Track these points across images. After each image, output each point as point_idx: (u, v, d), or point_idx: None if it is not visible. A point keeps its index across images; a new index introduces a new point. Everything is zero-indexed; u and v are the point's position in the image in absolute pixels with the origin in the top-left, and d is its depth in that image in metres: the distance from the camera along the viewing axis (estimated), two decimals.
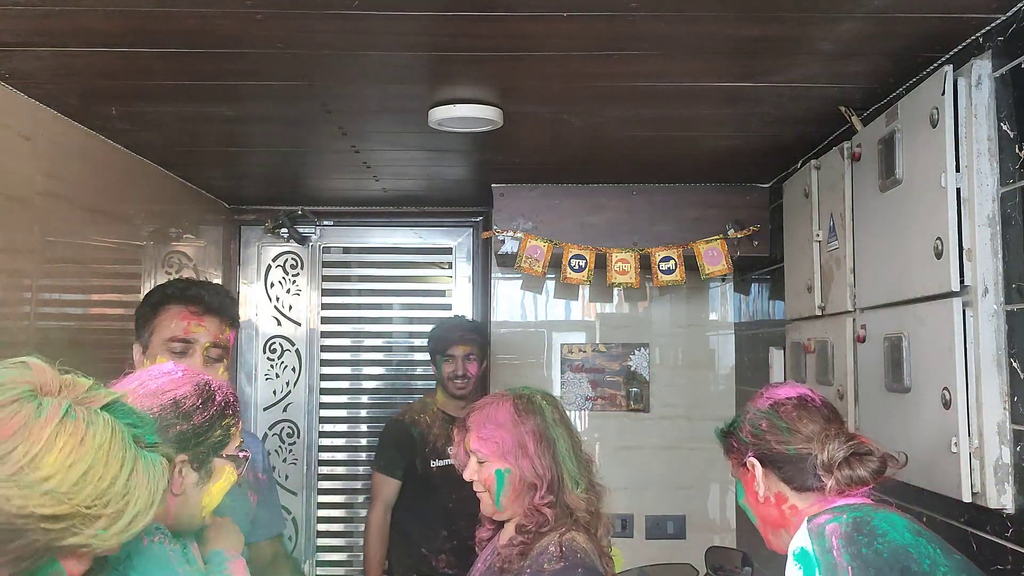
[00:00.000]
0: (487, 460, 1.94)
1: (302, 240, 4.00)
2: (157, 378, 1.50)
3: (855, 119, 2.28)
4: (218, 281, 3.77)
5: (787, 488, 1.55)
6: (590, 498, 1.93)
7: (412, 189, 3.65)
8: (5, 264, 2.10)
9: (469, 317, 3.82)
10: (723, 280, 3.76)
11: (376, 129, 2.68)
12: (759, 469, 1.58)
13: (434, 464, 3.20)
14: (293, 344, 4.04)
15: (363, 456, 4.06)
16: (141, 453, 1.10)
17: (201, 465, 1.48)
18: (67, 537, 1.02)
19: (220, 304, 2.09)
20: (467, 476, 1.98)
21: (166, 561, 1.36)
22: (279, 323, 4.04)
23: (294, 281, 4.05)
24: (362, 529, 3.91)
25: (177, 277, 2.83)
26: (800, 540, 1.43)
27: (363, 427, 4.07)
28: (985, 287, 1.73)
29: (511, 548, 1.89)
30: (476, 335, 3.31)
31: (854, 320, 2.29)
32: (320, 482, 4.02)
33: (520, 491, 1.91)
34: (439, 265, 4.14)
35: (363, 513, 3.97)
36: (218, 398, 1.52)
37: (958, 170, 1.77)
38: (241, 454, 1.56)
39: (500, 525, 2.03)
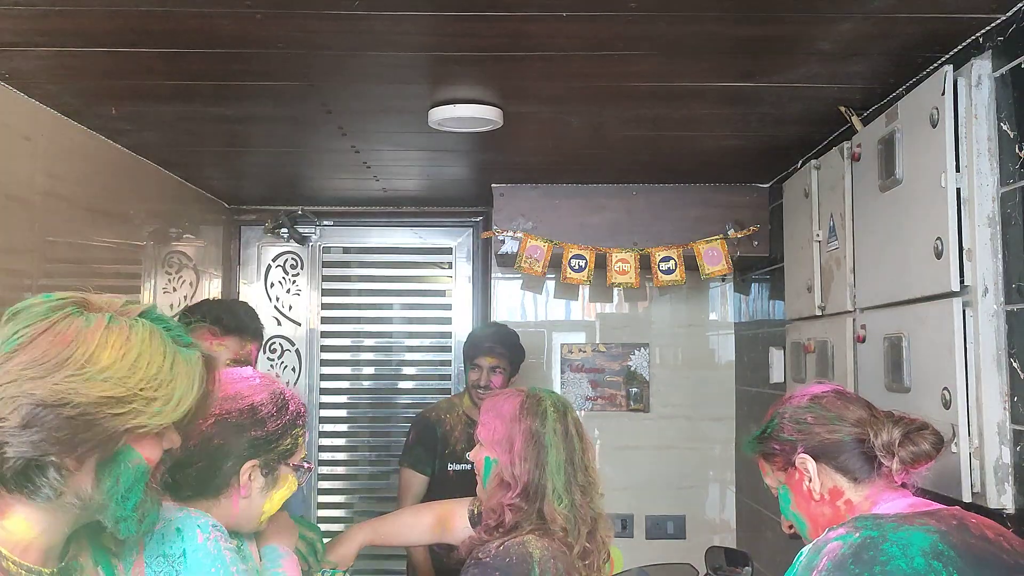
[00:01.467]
0: (483, 445, 2.00)
1: (302, 240, 4.00)
2: (236, 382, 1.56)
3: (855, 119, 2.28)
4: (218, 281, 3.78)
5: (844, 480, 1.51)
6: (569, 516, 1.87)
7: (412, 189, 3.65)
8: (5, 264, 2.10)
9: (501, 324, 3.57)
10: (723, 280, 3.76)
11: (376, 129, 2.68)
12: (812, 464, 1.52)
13: (451, 467, 3.17)
14: (293, 344, 4.04)
15: (363, 456, 4.06)
16: (178, 348, 1.25)
17: (269, 471, 1.54)
18: (131, 419, 1.17)
19: (238, 324, 2.35)
20: (470, 455, 2.07)
21: (221, 559, 1.38)
22: (279, 323, 4.04)
23: (294, 281, 4.05)
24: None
25: (207, 299, 3.09)
26: (805, 548, 1.40)
27: (362, 427, 4.07)
28: (985, 287, 1.73)
29: (473, 540, 1.94)
30: (505, 348, 3.18)
31: (854, 320, 2.29)
32: (320, 482, 4.02)
33: (501, 484, 1.93)
34: (439, 265, 4.14)
35: (361, 513, 3.98)
36: (291, 407, 1.58)
37: (958, 170, 1.77)
38: (305, 465, 1.61)
39: None
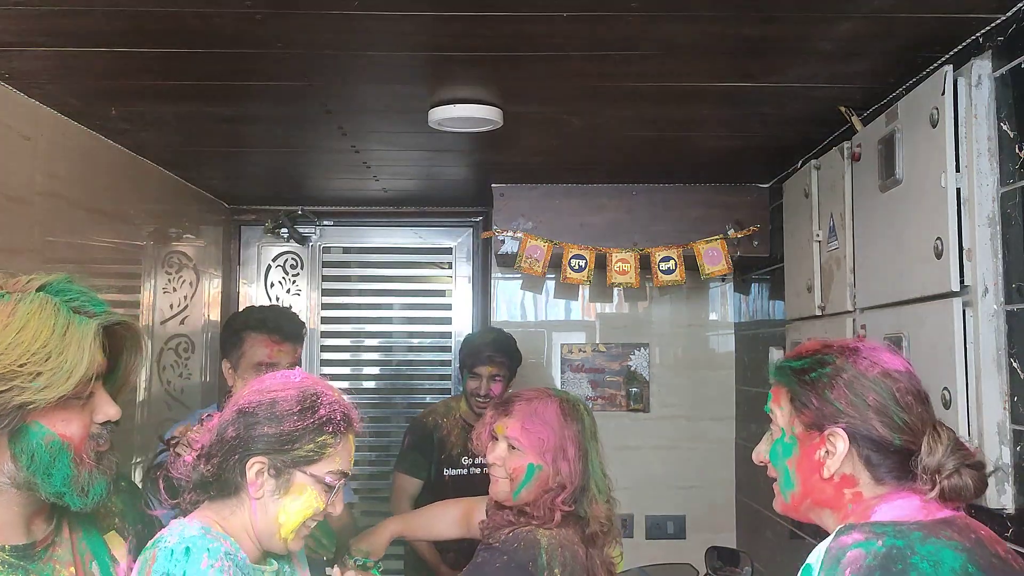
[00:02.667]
0: (522, 451, 1.95)
1: (302, 240, 4.00)
2: (274, 379, 1.51)
3: (855, 119, 2.28)
4: (218, 281, 3.78)
5: (867, 475, 1.30)
6: (610, 510, 1.97)
7: (412, 189, 3.65)
8: (5, 264, 2.10)
9: (498, 329, 3.54)
10: (723, 280, 3.76)
11: (376, 129, 2.68)
12: (845, 446, 1.29)
13: (447, 472, 3.16)
14: None
15: (363, 456, 4.06)
16: (76, 318, 1.24)
17: (279, 474, 1.43)
18: (15, 396, 1.19)
19: (294, 332, 2.56)
20: (491, 458, 1.99)
21: None
22: None
23: (294, 281, 4.05)
24: (362, 528, 3.91)
25: (252, 306, 3.15)
26: (815, 554, 1.23)
27: (363, 427, 4.06)
28: (985, 287, 1.73)
29: (499, 519, 1.95)
30: (505, 357, 3.16)
31: (854, 320, 2.29)
32: None
33: (543, 489, 1.93)
34: (439, 265, 4.14)
35: (360, 513, 3.98)
36: (321, 412, 1.45)
37: (958, 170, 1.77)
38: (328, 480, 1.46)
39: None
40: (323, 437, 1.45)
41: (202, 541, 1.37)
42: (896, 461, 1.28)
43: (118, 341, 1.38)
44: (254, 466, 1.42)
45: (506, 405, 2.03)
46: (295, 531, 1.46)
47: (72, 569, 1.37)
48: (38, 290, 1.26)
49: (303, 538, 1.51)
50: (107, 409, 1.32)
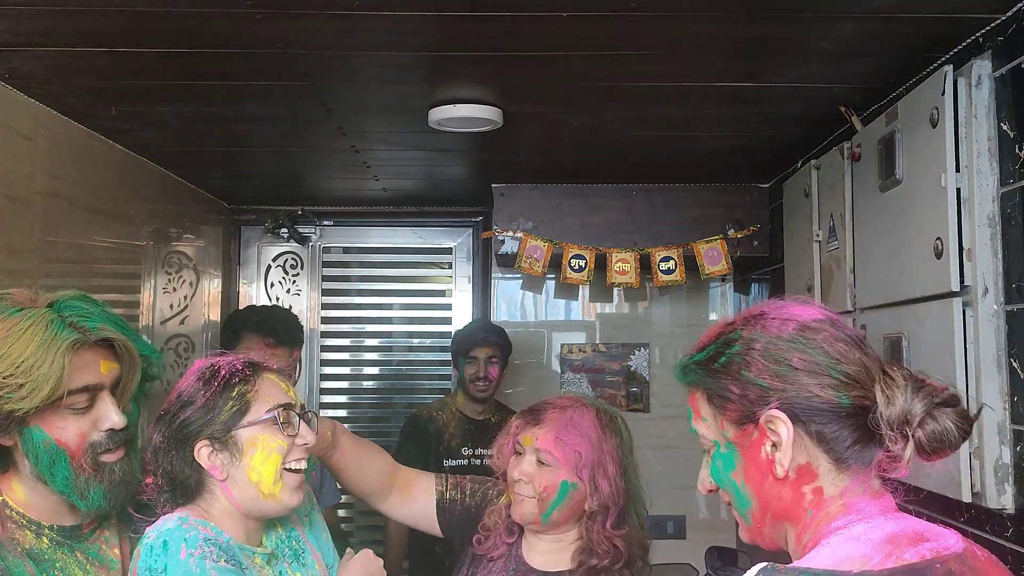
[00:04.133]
0: (555, 466, 1.74)
1: (302, 240, 4.00)
2: (179, 381, 1.52)
3: (855, 119, 2.28)
4: (218, 281, 3.77)
5: (824, 458, 1.03)
6: (645, 538, 1.83)
7: (412, 189, 3.65)
8: (5, 264, 2.10)
9: (485, 319, 3.79)
10: (723, 280, 3.76)
11: (376, 129, 2.68)
12: (789, 429, 1.02)
13: (447, 463, 3.20)
14: None
15: None
16: (64, 332, 1.33)
17: (223, 443, 1.44)
18: (5, 404, 1.29)
19: (290, 336, 2.54)
20: (518, 474, 1.75)
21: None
22: None
23: (294, 281, 4.05)
24: (362, 527, 3.92)
25: (252, 306, 3.21)
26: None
27: (362, 427, 4.07)
28: (985, 287, 1.73)
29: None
30: (498, 338, 3.29)
31: (854, 320, 2.29)
32: None
33: (576, 511, 1.76)
34: (439, 265, 4.14)
35: (361, 512, 3.98)
36: (222, 373, 1.47)
37: (958, 170, 1.77)
38: (267, 416, 1.46)
39: (518, 536, 1.84)
40: (236, 390, 1.46)
41: (178, 532, 1.37)
42: (854, 428, 1.02)
43: (120, 355, 1.45)
44: (201, 452, 1.43)
45: (535, 413, 1.80)
46: (277, 482, 1.46)
47: (117, 551, 1.47)
48: (48, 305, 1.37)
49: (298, 490, 1.49)
50: (111, 418, 1.40)
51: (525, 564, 1.81)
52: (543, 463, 1.75)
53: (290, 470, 1.48)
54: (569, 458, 1.74)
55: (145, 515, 1.45)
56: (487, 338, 3.24)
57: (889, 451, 1.01)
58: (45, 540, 1.39)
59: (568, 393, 3.76)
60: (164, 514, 1.45)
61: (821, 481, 1.03)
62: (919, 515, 1.93)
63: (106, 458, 1.40)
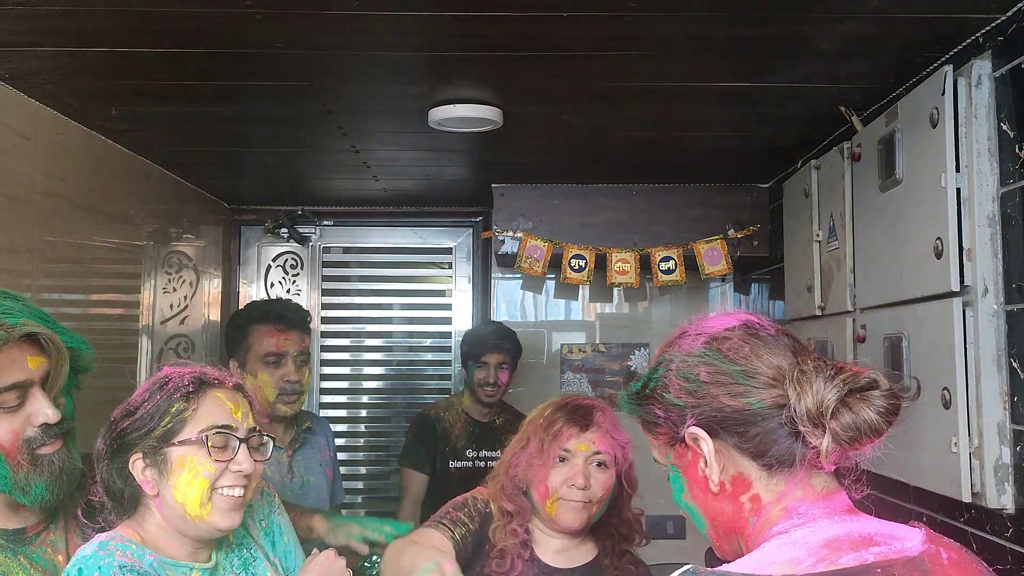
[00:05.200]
0: (611, 467, 1.80)
1: (302, 240, 4.00)
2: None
3: (855, 119, 2.28)
4: (218, 281, 3.78)
5: (752, 466, 1.02)
6: None
7: (412, 189, 3.65)
8: (5, 264, 2.10)
9: (498, 322, 3.69)
10: (723, 280, 3.76)
11: (376, 129, 2.68)
12: (708, 444, 1.03)
13: (452, 465, 3.20)
14: None
15: (362, 456, 4.06)
16: None
17: (153, 459, 1.41)
18: None
19: (299, 319, 2.52)
20: (569, 481, 1.76)
21: None
22: None
23: (294, 281, 4.05)
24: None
25: (254, 300, 3.20)
26: None
27: (363, 427, 4.07)
28: (985, 287, 1.73)
29: (615, 567, 1.84)
30: (511, 344, 3.25)
31: (854, 320, 2.29)
32: None
33: (621, 500, 1.87)
34: (439, 265, 4.14)
35: (363, 513, 3.98)
36: (168, 386, 1.43)
37: (958, 170, 1.77)
38: (196, 438, 1.41)
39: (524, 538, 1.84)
40: (175, 406, 1.42)
41: (93, 560, 1.33)
42: (773, 429, 0.99)
43: (46, 349, 1.43)
44: (136, 464, 1.41)
45: (582, 417, 1.81)
46: (204, 505, 1.41)
47: (62, 556, 1.46)
48: None
49: (233, 512, 1.44)
50: (44, 412, 1.39)
51: (548, 567, 1.83)
52: (603, 465, 1.79)
53: (224, 496, 1.43)
54: (620, 456, 1.81)
55: (92, 522, 1.45)
56: (500, 344, 3.20)
57: (813, 447, 0.98)
58: None
59: (568, 392, 3.75)
60: (105, 523, 1.44)
61: (756, 489, 1.02)
62: (919, 515, 1.94)
63: (44, 451, 1.40)
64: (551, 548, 1.85)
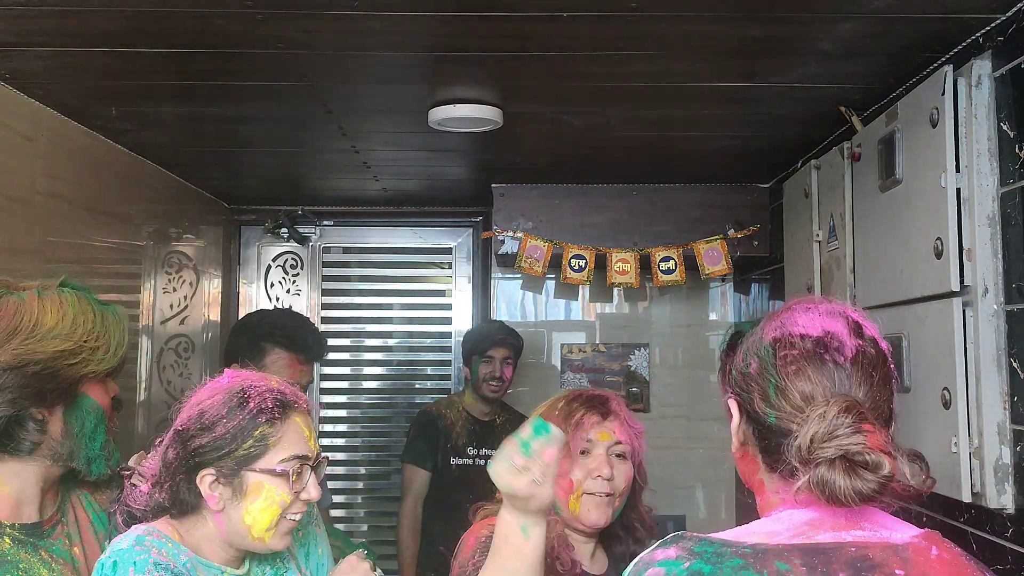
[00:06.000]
0: (630, 457, 1.70)
1: (302, 240, 4.00)
2: (202, 391, 1.44)
3: (855, 119, 2.28)
4: (218, 281, 3.77)
5: (760, 458, 1.10)
6: None
7: (412, 189, 3.65)
8: (5, 264, 2.10)
9: (499, 320, 3.75)
10: (723, 280, 3.76)
11: (376, 129, 2.68)
12: (736, 419, 1.14)
13: (454, 461, 3.22)
14: None
15: (363, 456, 4.06)
16: (103, 307, 1.48)
17: (230, 480, 1.38)
18: (83, 367, 1.41)
19: (320, 352, 2.56)
20: (595, 474, 1.64)
21: None
22: None
23: (294, 281, 4.05)
24: (363, 529, 3.92)
25: (273, 315, 2.89)
26: (633, 563, 1.06)
27: (362, 427, 4.07)
28: (985, 287, 1.72)
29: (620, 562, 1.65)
30: (515, 339, 3.32)
31: None
32: None
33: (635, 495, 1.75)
34: (439, 265, 4.14)
35: (362, 513, 3.99)
36: (251, 405, 1.39)
37: (958, 170, 1.77)
38: (280, 468, 1.39)
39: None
40: (260, 429, 1.38)
41: (129, 554, 1.32)
42: (780, 444, 1.03)
43: None
44: (204, 479, 1.38)
45: (601, 405, 1.71)
46: (270, 529, 1.40)
47: (78, 549, 1.47)
48: (60, 286, 1.47)
49: (288, 534, 1.44)
50: (113, 385, 1.53)
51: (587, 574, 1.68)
52: (623, 456, 1.68)
53: (288, 520, 1.43)
54: (637, 448, 1.71)
55: (128, 526, 1.43)
56: (505, 339, 3.27)
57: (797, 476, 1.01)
58: (7, 540, 1.37)
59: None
60: (147, 521, 1.42)
61: (761, 475, 1.11)
62: (919, 515, 1.94)
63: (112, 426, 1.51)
64: (586, 552, 1.70)
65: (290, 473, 1.39)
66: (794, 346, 1.07)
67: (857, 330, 1.09)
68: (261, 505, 1.39)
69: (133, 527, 1.40)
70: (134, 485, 1.45)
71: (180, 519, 1.43)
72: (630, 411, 1.76)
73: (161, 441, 1.46)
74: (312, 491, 1.43)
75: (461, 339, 3.53)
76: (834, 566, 0.95)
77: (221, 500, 1.39)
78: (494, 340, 3.26)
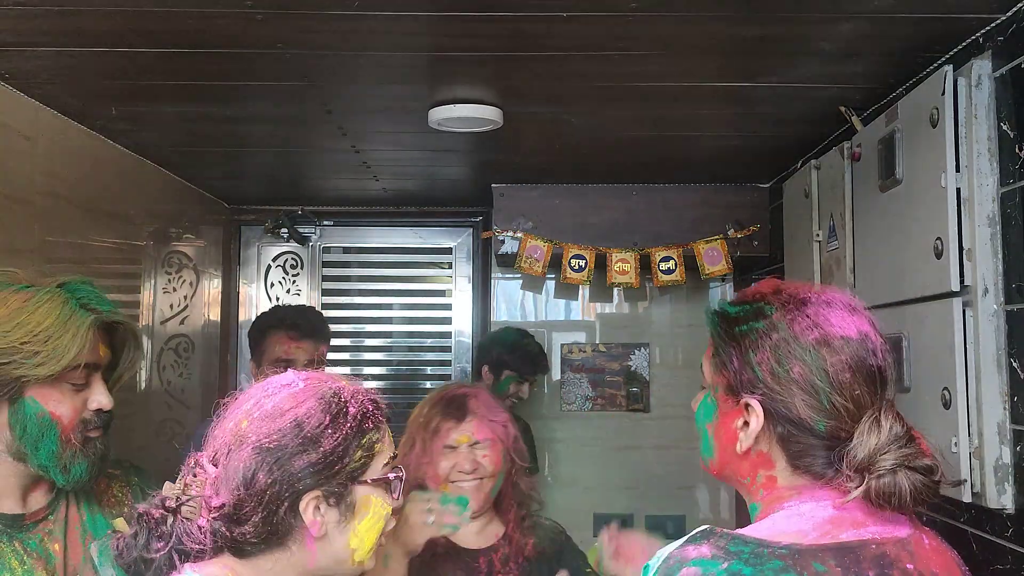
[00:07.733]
0: (493, 444, 1.85)
1: (302, 240, 4.00)
2: (274, 394, 1.22)
3: (855, 119, 2.28)
4: (218, 281, 3.78)
5: (783, 460, 1.07)
6: None
7: (412, 189, 3.65)
8: (5, 264, 2.09)
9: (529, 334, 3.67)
10: (723, 280, 3.76)
11: (376, 129, 2.68)
12: (758, 420, 1.07)
13: None
14: None
15: None
16: (79, 311, 1.41)
17: (340, 499, 1.19)
18: (14, 369, 1.35)
19: (314, 329, 2.62)
20: (484, 463, 1.83)
21: None
22: None
23: (294, 281, 4.05)
24: None
25: (278, 305, 3.26)
26: (657, 556, 1.02)
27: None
28: (985, 287, 1.72)
29: (522, 535, 1.90)
30: (546, 363, 3.48)
31: None
32: None
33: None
34: (439, 265, 4.14)
35: None
36: (352, 410, 1.22)
37: (958, 170, 1.77)
38: (392, 475, 1.24)
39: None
40: (367, 436, 1.23)
41: None
42: (819, 449, 1.04)
43: (120, 339, 1.52)
44: (309, 506, 1.17)
45: (456, 409, 1.87)
46: (371, 550, 1.23)
47: (58, 546, 1.47)
48: (57, 286, 1.44)
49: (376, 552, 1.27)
50: (100, 398, 1.47)
51: (463, 549, 1.86)
52: (485, 448, 1.84)
53: (384, 536, 1.26)
54: (500, 435, 1.87)
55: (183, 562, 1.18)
56: (545, 366, 3.43)
57: (841, 483, 1.03)
58: None
59: (566, 393, 3.76)
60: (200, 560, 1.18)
61: (776, 474, 1.08)
62: (918, 515, 1.94)
63: (92, 434, 1.46)
64: (462, 532, 1.81)
65: (393, 479, 1.25)
66: (841, 351, 1.05)
67: (875, 326, 1.10)
68: (369, 523, 1.22)
69: (186, 567, 1.17)
70: (187, 519, 1.18)
71: (251, 558, 1.19)
72: (491, 403, 1.91)
73: (197, 463, 1.21)
74: (401, 501, 1.29)
75: (487, 340, 3.52)
76: (863, 565, 0.98)
77: (324, 525, 1.18)
78: (537, 367, 3.34)
